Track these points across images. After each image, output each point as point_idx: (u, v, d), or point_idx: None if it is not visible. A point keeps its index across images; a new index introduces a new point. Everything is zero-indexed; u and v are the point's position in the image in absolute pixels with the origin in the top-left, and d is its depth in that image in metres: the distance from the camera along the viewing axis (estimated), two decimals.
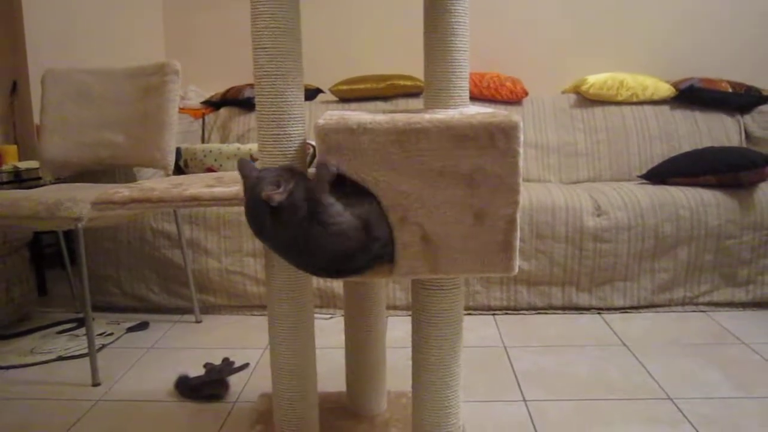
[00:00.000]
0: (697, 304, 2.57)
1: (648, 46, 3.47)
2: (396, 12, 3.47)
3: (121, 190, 1.38)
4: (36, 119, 2.75)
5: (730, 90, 3.13)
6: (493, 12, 3.49)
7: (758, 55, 3.42)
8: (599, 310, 2.57)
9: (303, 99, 1.37)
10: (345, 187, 1.15)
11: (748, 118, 3.17)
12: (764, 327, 2.38)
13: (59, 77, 2.54)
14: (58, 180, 2.58)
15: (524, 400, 1.85)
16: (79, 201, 1.95)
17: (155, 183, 1.49)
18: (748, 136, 3.15)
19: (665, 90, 3.18)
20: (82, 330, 2.44)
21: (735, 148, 2.69)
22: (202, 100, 3.46)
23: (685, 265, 2.53)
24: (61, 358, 2.19)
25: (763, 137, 3.08)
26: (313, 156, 1.62)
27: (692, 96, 3.15)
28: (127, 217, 2.38)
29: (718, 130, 3.14)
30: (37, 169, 2.63)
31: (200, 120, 3.34)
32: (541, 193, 2.58)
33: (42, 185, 2.48)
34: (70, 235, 2.66)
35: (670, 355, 2.14)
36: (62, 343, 2.33)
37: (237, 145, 2.75)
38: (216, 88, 3.50)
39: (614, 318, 2.50)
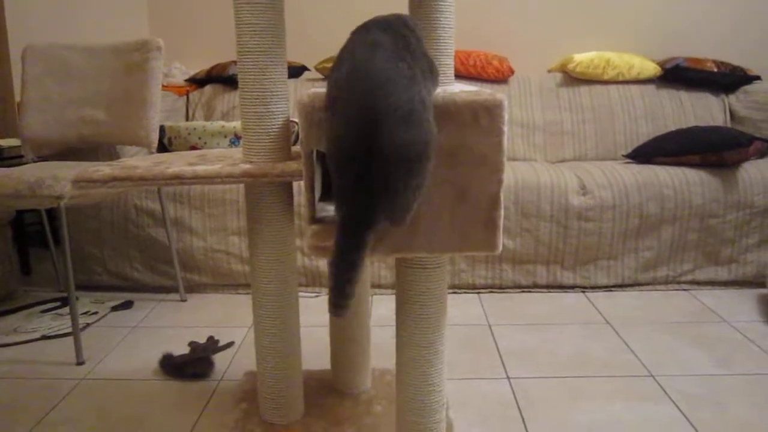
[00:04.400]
0: (680, 283, 2.59)
1: (635, 25, 3.46)
2: None
3: (103, 168, 1.36)
4: (17, 96, 2.72)
5: (716, 70, 3.13)
6: None
7: (745, 34, 3.42)
8: (583, 288, 2.58)
9: (287, 76, 1.36)
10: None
11: (732, 98, 3.18)
12: (746, 305, 2.40)
13: (40, 53, 2.50)
14: (40, 158, 2.55)
15: (508, 378, 1.86)
16: (60, 179, 1.93)
17: (137, 161, 1.48)
18: (733, 115, 3.16)
19: (651, 69, 3.18)
20: (66, 309, 2.43)
21: (719, 128, 2.70)
22: (187, 77, 3.42)
23: (669, 243, 2.55)
24: (45, 337, 2.19)
25: (748, 116, 3.10)
26: (298, 134, 1.61)
27: (678, 75, 3.16)
28: (110, 196, 2.36)
29: (704, 110, 3.14)
30: (19, 146, 2.60)
31: (184, 97, 3.31)
32: (527, 171, 2.58)
33: (24, 163, 2.45)
34: (52, 214, 2.64)
35: (652, 333, 2.16)
36: (46, 322, 2.32)
37: (221, 122, 2.73)
38: (200, 65, 3.46)
39: (598, 296, 2.52)
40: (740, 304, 2.42)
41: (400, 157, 0.95)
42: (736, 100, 3.17)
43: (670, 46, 3.42)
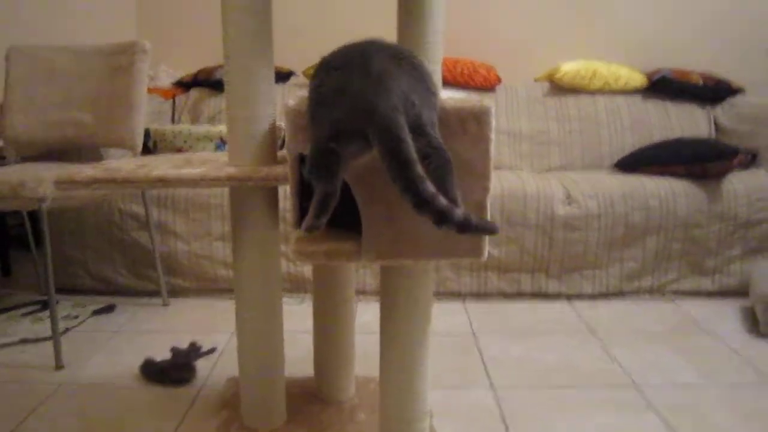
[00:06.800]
0: (664, 293, 2.60)
1: (622, 36, 3.47)
2: None
3: (85, 170, 1.35)
4: (0, 97, 2.69)
5: (701, 83, 3.16)
6: None
7: (730, 48, 3.44)
8: (568, 297, 2.59)
9: (273, 79, 1.35)
10: None
11: (718, 110, 3.20)
12: (729, 316, 2.41)
13: (24, 54, 2.48)
14: (24, 159, 2.53)
15: (492, 387, 1.86)
16: (43, 181, 1.91)
17: (121, 163, 1.46)
18: (718, 127, 3.18)
19: (637, 80, 3.19)
20: (47, 312, 2.39)
21: (704, 140, 2.73)
22: (173, 80, 3.40)
23: (654, 253, 2.56)
24: (24, 341, 2.15)
25: (732, 129, 3.12)
26: (284, 139, 1.60)
27: (664, 87, 3.18)
28: (94, 198, 2.34)
29: (689, 121, 3.16)
30: (2, 147, 2.57)
31: (171, 101, 3.29)
32: (513, 180, 2.58)
33: (6, 164, 2.42)
34: (35, 216, 2.60)
35: (636, 343, 2.17)
36: (26, 325, 2.28)
37: (207, 126, 2.72)
38: (187, 69, 3.44)
39: (583, 305, 2.52)
40: (724, 314, 2.43)
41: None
42: (721, 112, 3.19)
43: (656, 57, 3.43)
